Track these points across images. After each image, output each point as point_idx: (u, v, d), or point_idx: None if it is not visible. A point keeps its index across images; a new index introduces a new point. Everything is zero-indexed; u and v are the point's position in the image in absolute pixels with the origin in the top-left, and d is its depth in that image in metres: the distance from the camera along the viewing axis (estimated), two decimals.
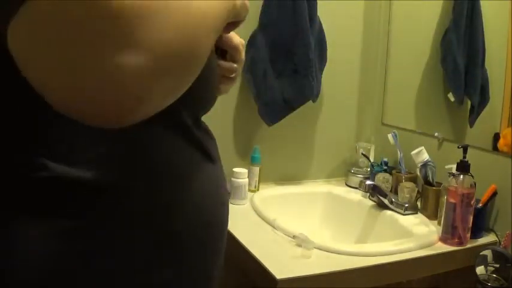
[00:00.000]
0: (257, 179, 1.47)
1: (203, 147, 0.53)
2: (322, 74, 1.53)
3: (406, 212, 1.31)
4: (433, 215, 1.29)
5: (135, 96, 0.32)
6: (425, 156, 1.32)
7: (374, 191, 1.36)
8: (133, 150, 0.46)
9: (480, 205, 1.18)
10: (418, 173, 1.37)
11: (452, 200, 1.13)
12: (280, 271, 0.96)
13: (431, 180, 1.32)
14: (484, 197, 1.19)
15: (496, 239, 1.17)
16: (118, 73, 0.30)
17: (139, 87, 0.32)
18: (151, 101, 0.34)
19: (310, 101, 1.47)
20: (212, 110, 0.63)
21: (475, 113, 1.33)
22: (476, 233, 1.16)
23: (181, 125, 0.50)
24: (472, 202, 1.13)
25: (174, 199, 0.49)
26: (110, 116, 0.33)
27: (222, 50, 0.60)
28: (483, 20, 1.30)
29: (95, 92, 0.31)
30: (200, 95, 0.52)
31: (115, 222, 0.44)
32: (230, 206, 1.48)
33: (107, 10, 0.29)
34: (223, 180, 0.58)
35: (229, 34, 0.58)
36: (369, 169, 1.57)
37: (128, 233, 0.45)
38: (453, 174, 1.16)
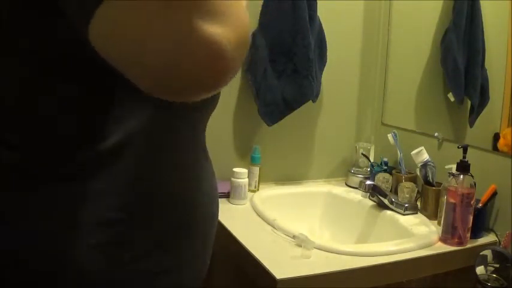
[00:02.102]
0: (257, 179, 1.47)
1: (205, 148, 0.61)
2: (322, 74, 1.53)
3: (406, 212, 1.30)
4: (433, 215, 1.29)
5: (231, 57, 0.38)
6: (425, 156, 1.32)
7: (374, 191, 1.36)
8: (165, 151, 0.54)
9: (480, 205, 1.18)
10: (418, 173, 1.37)
11: (452, 200, 1.13)
12: (280, 271, 0.96)
13: (431, 180, 1.32)
14: (484, 197, 1.19)
15: (496, 239, 1.17)
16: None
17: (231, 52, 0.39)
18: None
19: (310, 101, 1.47)
20: None
21: (475, 113, 1.33)
22: (476, 233, 1.16)
23: (195, 130, 0.58)
24: (472, 202, 1.13)
25: (187, 193, 0.57)
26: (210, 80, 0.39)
27: None
28: (483, 20, 1.30)
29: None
30: (211, 106, 0.62)
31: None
32: (230, 206, 1.49)
33: None
34: (214, 176, 0.65)
35: None
36: (369, 169, 1.57)
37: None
38: (453, 174, 1.16)
